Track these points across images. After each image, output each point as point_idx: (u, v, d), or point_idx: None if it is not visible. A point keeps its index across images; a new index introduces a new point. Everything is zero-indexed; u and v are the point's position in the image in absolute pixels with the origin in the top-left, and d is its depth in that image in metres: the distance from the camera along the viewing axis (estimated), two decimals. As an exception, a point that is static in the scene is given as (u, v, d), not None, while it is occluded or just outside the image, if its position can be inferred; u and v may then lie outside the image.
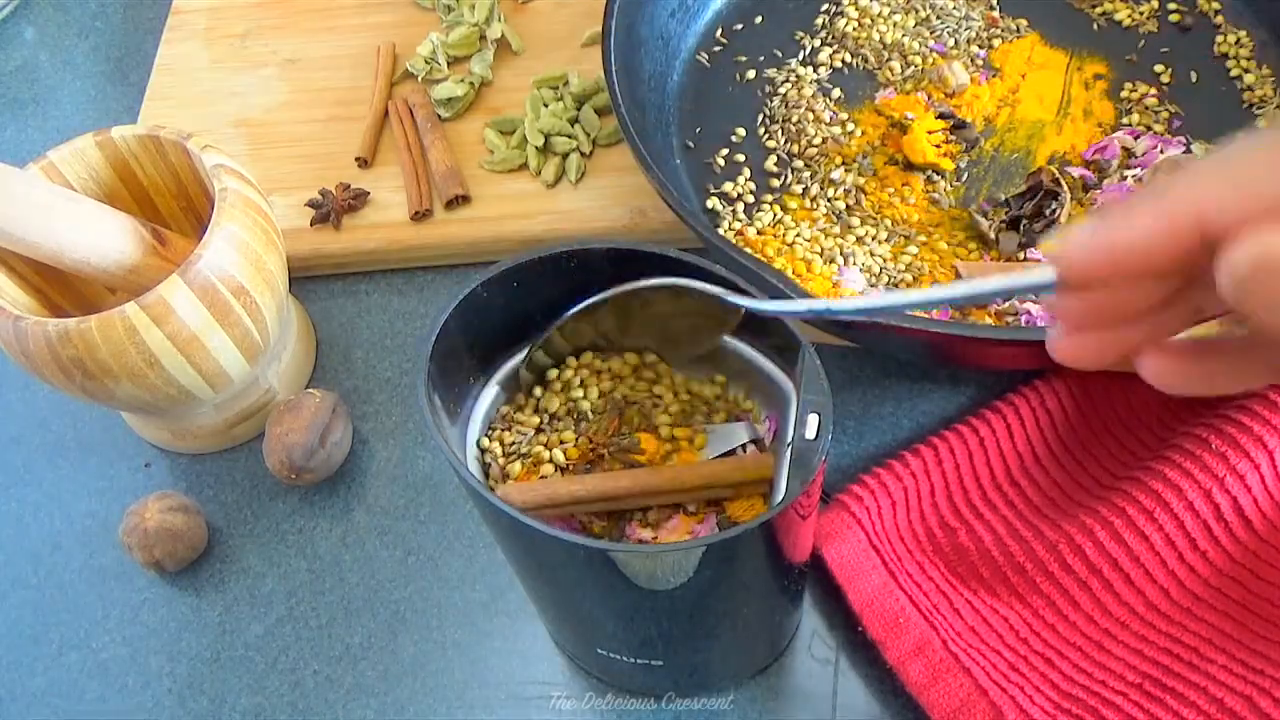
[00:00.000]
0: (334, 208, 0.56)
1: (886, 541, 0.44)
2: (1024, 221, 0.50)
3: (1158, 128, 0.54)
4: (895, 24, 0.59)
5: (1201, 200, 0.23)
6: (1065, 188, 0.50)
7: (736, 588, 0.36)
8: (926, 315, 0.48)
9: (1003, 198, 0.52)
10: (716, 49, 0.60)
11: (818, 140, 0.55)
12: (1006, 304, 0.49)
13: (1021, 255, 0.50)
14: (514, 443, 0.38)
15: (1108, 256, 0.24)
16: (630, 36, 0.54)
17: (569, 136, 0.58)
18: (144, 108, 0.62)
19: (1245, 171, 0.22)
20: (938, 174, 0.54)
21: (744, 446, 0.38)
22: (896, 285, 0.50)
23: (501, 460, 0.38)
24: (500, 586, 0.47)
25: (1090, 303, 0.25)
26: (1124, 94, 0.56)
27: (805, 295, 0.42)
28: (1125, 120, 0.55)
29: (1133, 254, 0.23)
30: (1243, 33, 0.57)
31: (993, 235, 0.50)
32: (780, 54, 0.59)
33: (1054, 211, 0.50)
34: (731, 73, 0.59)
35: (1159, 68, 0.57)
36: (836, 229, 0.52)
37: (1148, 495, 0.42)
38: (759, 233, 0.52)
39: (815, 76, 0.58)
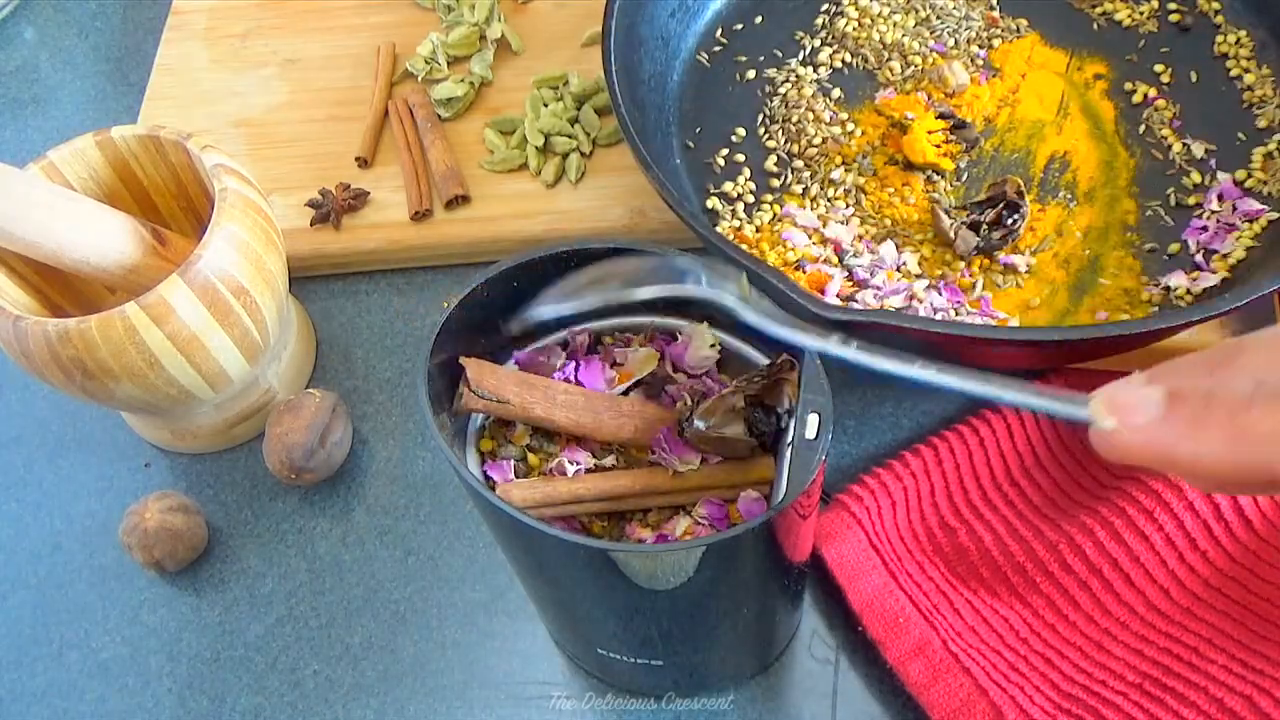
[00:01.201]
0: (334, 208, 0.56)
1: (886, 541, 0.44)
2: (984, 227, 0.50)
3: (1164, 131, 0.54)
4: (895, 24, 0.59)
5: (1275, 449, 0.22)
6: (1027, 202, 0.50)
7: (736, 588, 0.36)
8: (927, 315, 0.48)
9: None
10: (716, 49, 0.60)
11: (818, 140, 0.55)
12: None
13: (978, 262, 0.50)
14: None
15: (1160, 458, 0.23)
16: (630, 36, 0.54)
17: (569, 136, 0.58)
18: (144, 108, 0.62)
19: None
20: (938, 174, 0.54)
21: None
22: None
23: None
24: (500, 586, 0.47)
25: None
26: (1132, 99, 0.56)
27: (806, 296, 0.42)
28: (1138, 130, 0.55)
29: (1189, 468, 0.23)
30: (1243, 33, 0.57)
31: (951, 234, 0.50)
32: (780, 54, 0.59)
33: (1015, 223, 0.50)
34: (731, 73, 0.59)
35: (1159, 68, 0.57)
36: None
37: (1148, 495, 0.42)
38: (757, 230, 0.52)
39: (815, 76, 0.58)
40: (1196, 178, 0.52)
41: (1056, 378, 0.48)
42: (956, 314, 0.49)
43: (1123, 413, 0.24)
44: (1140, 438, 0.23)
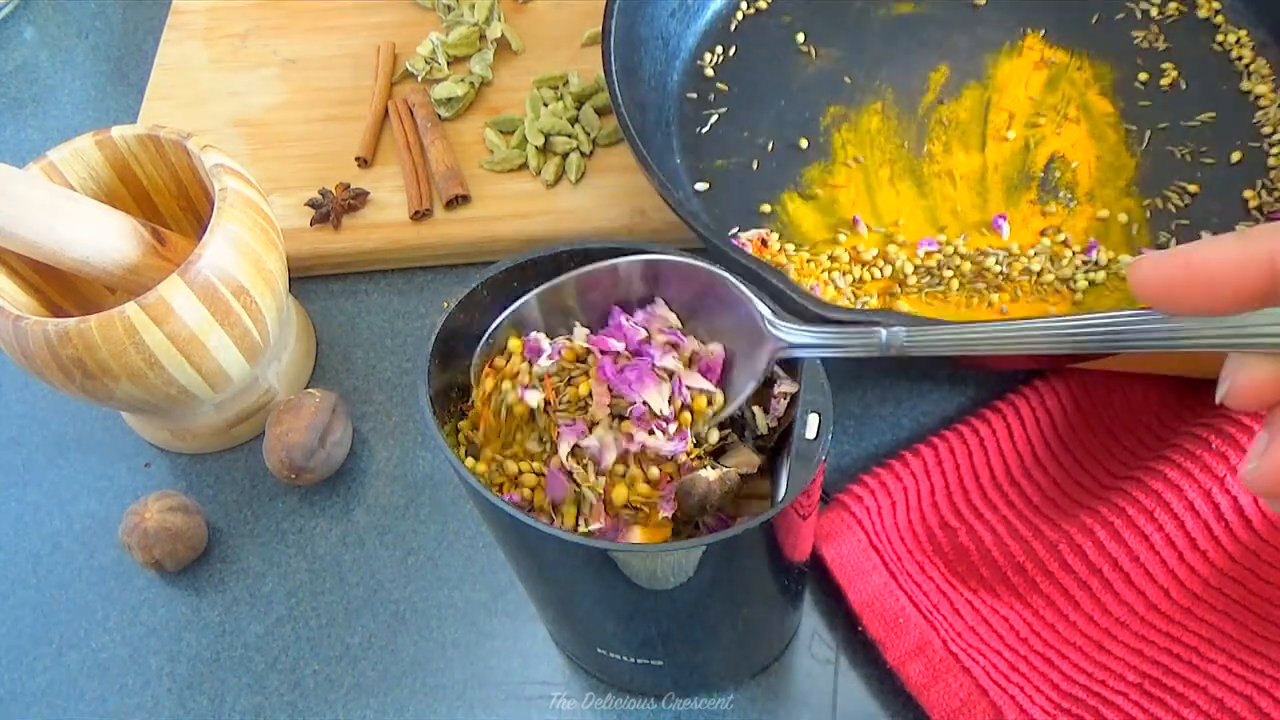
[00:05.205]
0: (334, 208, 0.56)
1: (886, 541, 0.44)
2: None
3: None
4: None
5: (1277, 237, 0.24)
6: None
7: (736, 588, 0.36)
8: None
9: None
10: (717, 48, 0.60)
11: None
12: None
13: None
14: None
15: (1182, 269, 0.24)
16: (630, 36, 0.54)
17: (569, 136, 0.58)
18: (144, 108, 0.62)
19: None
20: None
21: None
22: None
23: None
24: (500, 586, 0.47)
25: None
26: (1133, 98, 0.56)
27: (806, 296, 0.42)
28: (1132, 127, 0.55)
29: (1207, 270, 0.24)
30: (1243, 33, 0.57)
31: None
32: (781, 54, 0.59)
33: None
34: (732, 72, 0.59)
35: (1159, 67, 0.57)
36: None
37: (1148, 495, 0.42)
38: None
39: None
40: (1196, 178, 0.52)
41: (1056, 378, 0.48)
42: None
43: (1142, 259, 0.25)
44: (1158, 260, 0.25)
